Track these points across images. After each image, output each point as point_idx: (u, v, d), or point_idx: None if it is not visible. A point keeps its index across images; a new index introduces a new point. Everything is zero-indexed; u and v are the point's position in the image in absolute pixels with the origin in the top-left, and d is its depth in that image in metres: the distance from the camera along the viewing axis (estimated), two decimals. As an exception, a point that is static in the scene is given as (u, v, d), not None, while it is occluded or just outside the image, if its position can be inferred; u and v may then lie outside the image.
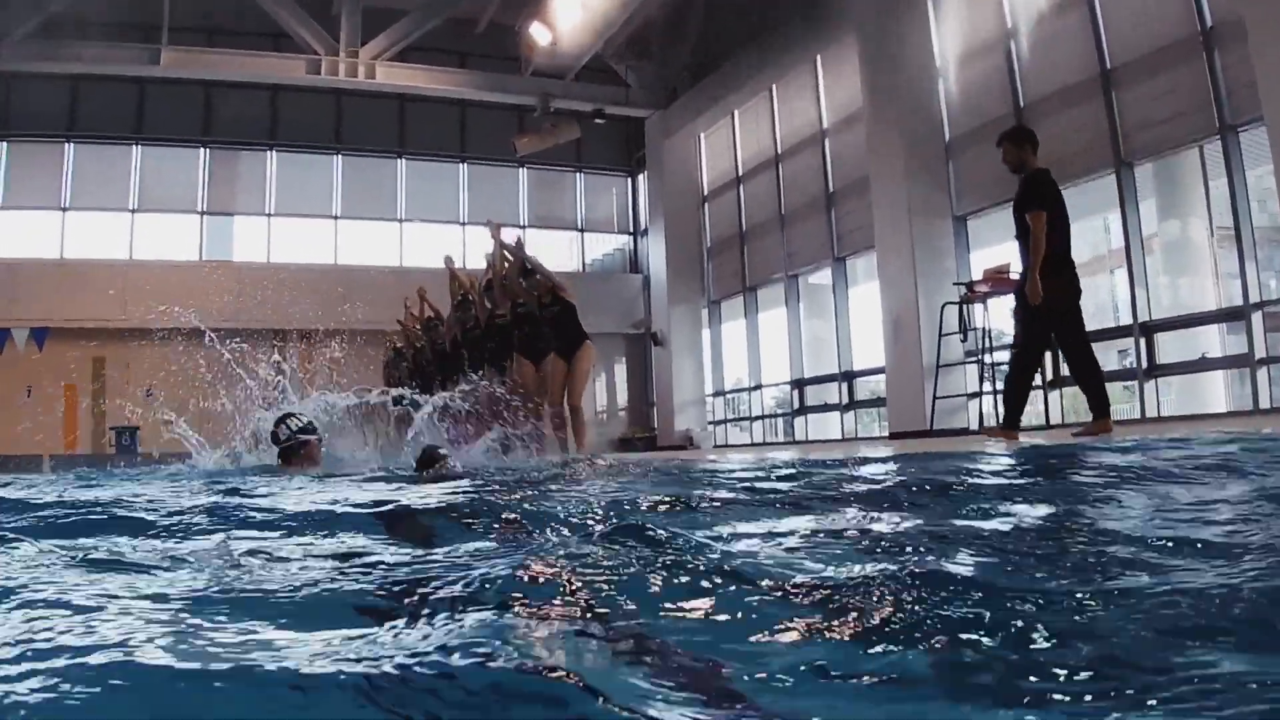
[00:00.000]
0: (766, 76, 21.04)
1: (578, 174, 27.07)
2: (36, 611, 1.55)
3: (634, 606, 1.62)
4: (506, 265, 12.78)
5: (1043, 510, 3.13)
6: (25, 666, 1.20)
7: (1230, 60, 11.70)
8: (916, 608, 1.60)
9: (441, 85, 22.96)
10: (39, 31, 19.55)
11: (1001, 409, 8.59)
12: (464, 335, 13.88)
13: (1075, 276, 8.01)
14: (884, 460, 6.54)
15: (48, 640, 1.35)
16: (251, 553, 2.41)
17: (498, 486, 4.95)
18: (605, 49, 22.69)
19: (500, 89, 23.40)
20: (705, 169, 24.83)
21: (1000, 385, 14.13)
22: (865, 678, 1.29)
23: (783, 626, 1.52)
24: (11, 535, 2.45)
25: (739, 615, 1.61)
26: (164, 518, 3.13)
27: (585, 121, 24.08)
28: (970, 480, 4.16)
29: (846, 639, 1.47)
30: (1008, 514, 2.94)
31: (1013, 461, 5.48)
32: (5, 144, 21.93)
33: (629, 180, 27.68)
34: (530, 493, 4.60)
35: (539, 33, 20.95)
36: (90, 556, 2.25)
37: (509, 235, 13.51)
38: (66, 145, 22.40)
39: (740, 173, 23.12)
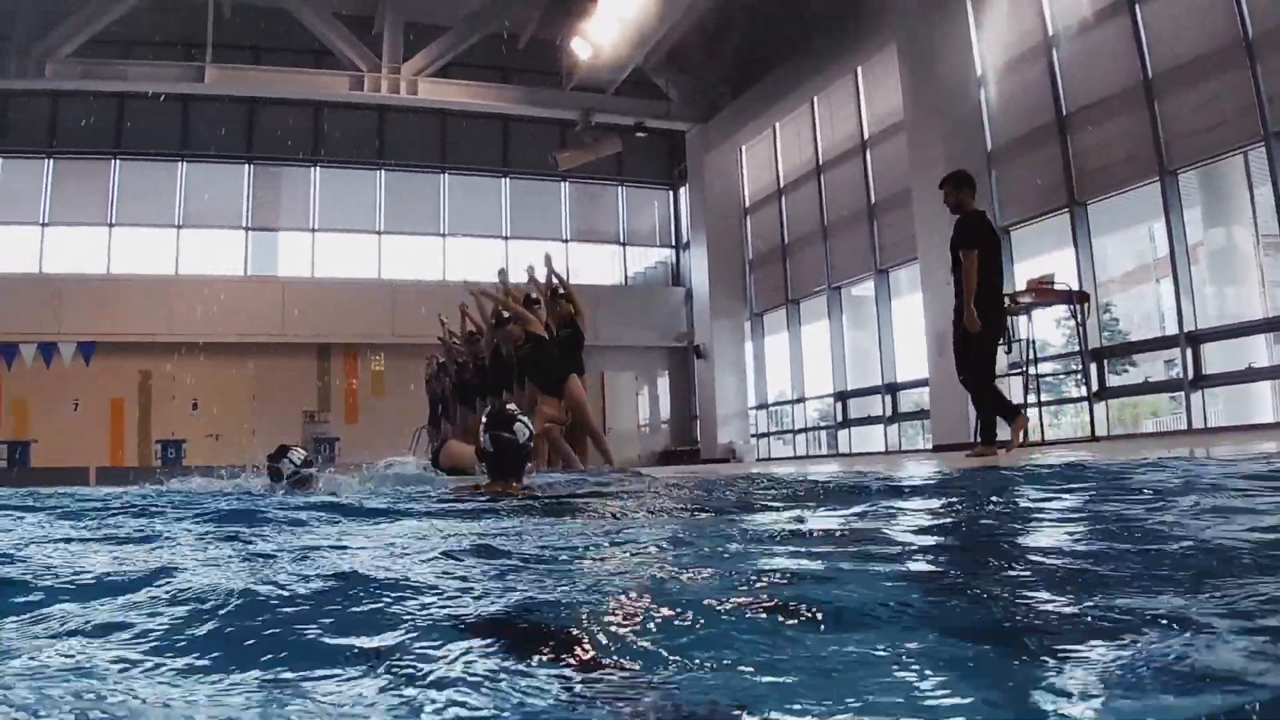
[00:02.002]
0: (807, 88, 20.96)
1: (619, 188, 27.10)
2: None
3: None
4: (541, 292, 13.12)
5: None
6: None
7: (1273, 67, 11.51)
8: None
9: (483, 100, 23.08)
10: (85, 50, 19.87)
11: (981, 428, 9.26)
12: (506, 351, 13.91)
13: (1003, 314, 9.15)
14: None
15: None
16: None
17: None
18: (646, 63, 22.70)
19: (542, 104, 23.50)
20: (747, 181, 24.79)
21: (1045, 397, 14.05)
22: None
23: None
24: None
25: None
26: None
27: (626, 135, 24.11)
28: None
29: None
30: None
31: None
32: (52, 160, 22.30)
33: (670, 193, 27.67)
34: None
35: (580, 47, 20.99)
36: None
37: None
38: (112, 161, 22.75)
39: (782, 185, 23.04)
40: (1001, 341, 10.26)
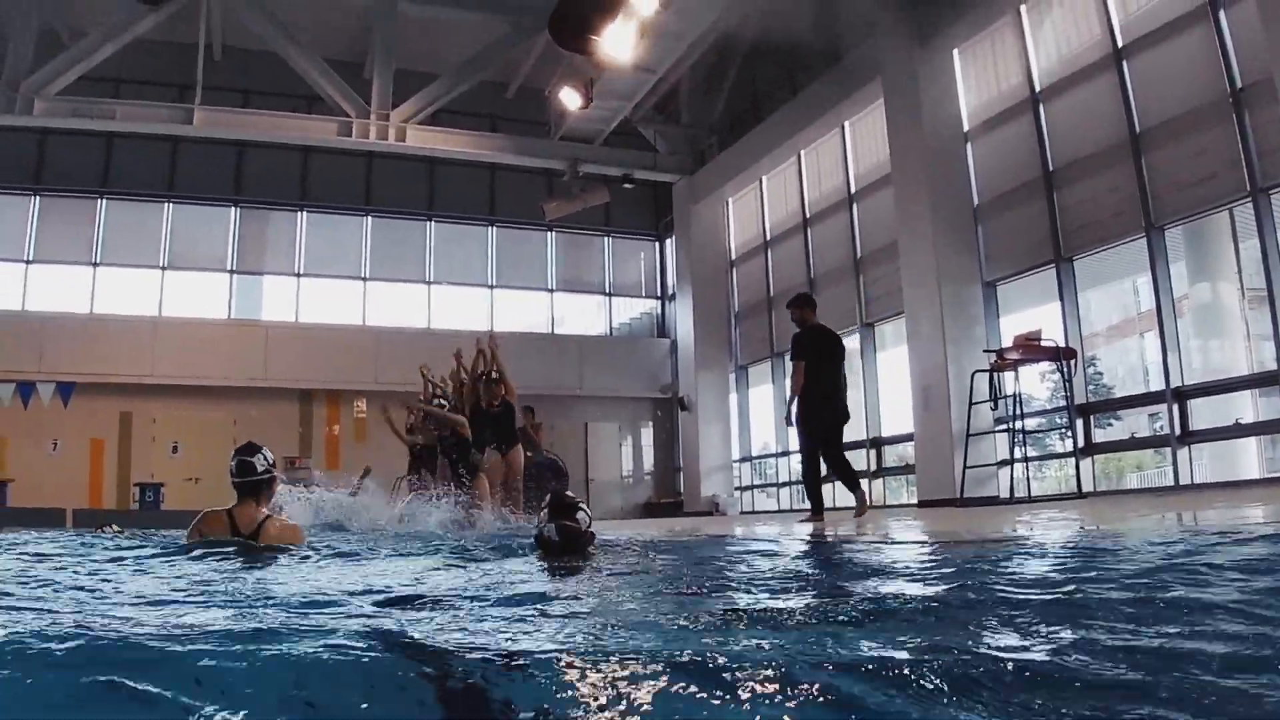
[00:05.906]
0: (794, 141, 21.05)
1: (606, 238, 27.08)
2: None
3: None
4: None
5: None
6: None
7: (1261, 121, 11.60)
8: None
9: (471, 148, 23.06)
10: (75, 88, 19.81)
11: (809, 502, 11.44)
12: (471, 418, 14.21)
13: (844, 405, 11.03)
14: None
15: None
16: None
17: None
18: (634, 114, 22.77)
19: (529, 153, 23.48)
20: (733, 234, 24.83)
21: (1031, 452, 14.02)
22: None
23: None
24: None
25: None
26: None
27: (614, 186, 24.14)
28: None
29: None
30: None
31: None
32: (38, 198, 22.15)
33: (657, 244, 27.66)
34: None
35: (569, 97, 21.03)
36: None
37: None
38: (99, 201, 22.59)
39: (768, 237, 23.08)
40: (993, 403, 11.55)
